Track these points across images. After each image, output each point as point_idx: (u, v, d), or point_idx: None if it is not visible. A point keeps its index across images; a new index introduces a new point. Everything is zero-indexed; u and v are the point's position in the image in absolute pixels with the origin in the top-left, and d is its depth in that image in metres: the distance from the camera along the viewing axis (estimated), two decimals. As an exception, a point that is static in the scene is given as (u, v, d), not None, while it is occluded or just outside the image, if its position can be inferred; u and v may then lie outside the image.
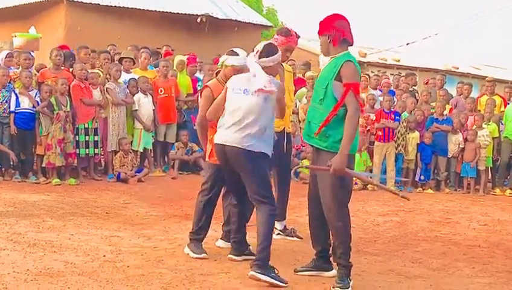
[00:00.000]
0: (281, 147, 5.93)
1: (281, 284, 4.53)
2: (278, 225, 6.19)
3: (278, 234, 6.17)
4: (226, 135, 4.77)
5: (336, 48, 4.63)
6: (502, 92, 12.26)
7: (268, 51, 4.85)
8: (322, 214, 4.70)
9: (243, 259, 5.15)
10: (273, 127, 4.91)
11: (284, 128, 5.98)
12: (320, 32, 4.71)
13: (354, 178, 9.81)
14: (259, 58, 4.80)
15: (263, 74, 4.73)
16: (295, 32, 5.92)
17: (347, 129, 4.43)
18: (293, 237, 6.20)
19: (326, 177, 4.57)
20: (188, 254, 5.21)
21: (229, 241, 5.44)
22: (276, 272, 4.59)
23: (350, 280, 4.56)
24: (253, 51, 4.94)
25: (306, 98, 11.14)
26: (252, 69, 4.80)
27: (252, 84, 4.73)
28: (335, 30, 4.62)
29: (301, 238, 6.21)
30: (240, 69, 5.25)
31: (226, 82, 5.27)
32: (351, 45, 4.71)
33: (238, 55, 5.32)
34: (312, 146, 4.80)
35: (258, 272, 4.54)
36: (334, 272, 4.78)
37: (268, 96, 4.70)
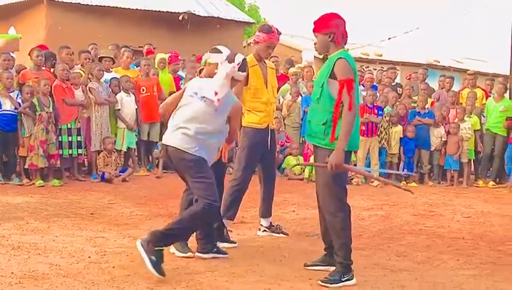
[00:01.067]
0: (265, 143, 5.94)
1: (154, 273, 4.46)
2: (263, 222, 6.21)
3: (264, 230, 6.19)
4: (169, 136, 4.87)
5: (336, 46, 4.67)
6: (484, 85, 12.38)
7: (243, 67, 4.99)
8: None
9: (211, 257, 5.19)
10: (220, 137, 4.99)
11: (267, 125, 5.99)
12: (318, 30, 4.71)
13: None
14: (238, 70, 4.91)
15: (220, 83, 4.80)
16: (276, 29, 5.93)
17: (343, 125, 4.47)
18: (279, 233, 6.21)
19: (322, 174, 4.63)
20: (173, 253, 5.19)
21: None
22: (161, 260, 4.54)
23: (344, 278, 4.55)
24: (229, 59, 4.95)
25: (290, 94, 11.17)
26: (217, 75, 4.88)
27: (202, 90, 4.84)
28: (337, 28, 4.65)
29: (287, 234, 6.23)
30: None
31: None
32: (346, 43, 4.75)
33: (221, 52, 5.32)
34: (312, 144, 4.83)
35: (142, 246, 4.52)
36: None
37: (218, 107, 4.77)
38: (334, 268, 4.70)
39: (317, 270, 4.86)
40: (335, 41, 4.66)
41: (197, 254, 5.19)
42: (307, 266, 4.99)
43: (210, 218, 4.96)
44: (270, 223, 6.24)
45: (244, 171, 5.89)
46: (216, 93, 4.75)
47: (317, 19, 4.73)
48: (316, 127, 4.64)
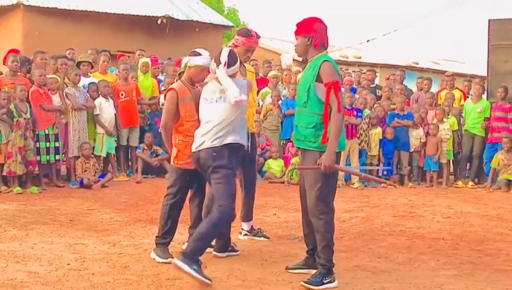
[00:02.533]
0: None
1: (203, 279, 4.43)
2: (244, 226, 6.19)
3: (245, 234, 6.17)
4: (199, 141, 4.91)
5: (315, 50, 4.72)
6: (462, 86, 12.49)
7: (232, 59, 4.93)
8: None
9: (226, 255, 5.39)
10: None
11: (247, 129, 5.96)
12: (298, 33, 4.76)
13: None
14: (228, 68, 4.87)
15: (234, 86, 4.80)
16: (255, 33, 5.92)
17: (333, 127, 4.50)
18: (260, 237, 6.19)
19: (312, 176, 4.64)
20: (154, 258, 5.16)
21: None
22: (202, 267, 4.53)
23: (326, 281, 4.56)
24: (217, 61, 4.95)
25: (271, 96, 11.18)
26: (224, 84, 4.84)
27: (226, 96, 4.84)
28: (316, 33, 4.70)
29: (268, 238, 6.22)
30: (205, 68, 5.25)
31: (191, 83, 5.26)
32: (326, 49, 4.79)
33: (200, 55, 5.30)
34: (300, 148, 4.81)
35: (181, 261, 4.47)
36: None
37: (241, 105, 4.83)
38: (315, 270, 4.70)
39: (298, 273, 4.85)
40: (313, 45, 4.70)
41: (213, 252, 5.32)
42: (289, 269, 4.98)
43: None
44: (251, 226, 6.23)
45: None
46: (240, 94, 4.76)
47: (299, 22, 4.77)
48: (305, 130, 4.66)
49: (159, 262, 5.08)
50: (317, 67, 4.61)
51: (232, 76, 4.92)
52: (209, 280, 4.45)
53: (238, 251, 5.57)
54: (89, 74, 10.17)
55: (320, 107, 4.57)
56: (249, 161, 6.03)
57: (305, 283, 4.55)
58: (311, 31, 4.70)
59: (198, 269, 4.45)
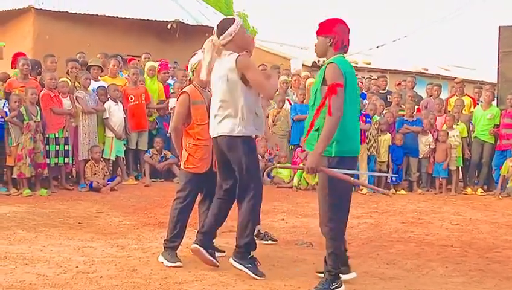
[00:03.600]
0: None
1: (257, 277, 4.72)
2: None
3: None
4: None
5: (334, 52, 4.62)
6: (472, 93, 12.45)
7: (221, 26, 4.86)
8: None
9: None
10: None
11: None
12: (319, 33, 4.67)
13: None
14: (218, 37, 4.81)
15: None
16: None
17: (323, 130, 4.40)
18: (267, 240, 6.19)
19: (320, 181, 4.66)
20: (162, 262, 5.16)
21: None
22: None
23: (333, 286, 4.53)
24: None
25: (275, 102, 11.18)
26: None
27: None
28: (337, 34, 4.61)
29: (276, 241, 6.21)
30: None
31: (202, 86, 5.28)
32: (346, 52, 4.71)
33: (197, 53, 5.31)
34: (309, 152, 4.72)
35: (235, 260, 4.80)
36: (352, 275, 4.84)
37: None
38: (344, 276, 4.70)
39: (306, 279, 4.85)
40: (334, 46, 4.61)
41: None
42: (318, 272, 4.93)
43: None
44: (258, 230, 6.22)
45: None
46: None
47: (321, 22, 4.70)
48: (311, 133, 4.62)
49: (167, 266, 5.08)
50: (323, 70, 4.56)
51: (228, 45, 4.81)
52: (263, 276, 4.79)
53: (223, 251, 5.56)
54: (99, 77, 10.21)
55: (326, 110, 4.49)
56: None
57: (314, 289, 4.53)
58: (333, 32, 4.60)
59: (252, 267, 4.83)
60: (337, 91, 4.40)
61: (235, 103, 4.75)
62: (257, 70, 5.02)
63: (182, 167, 5.37)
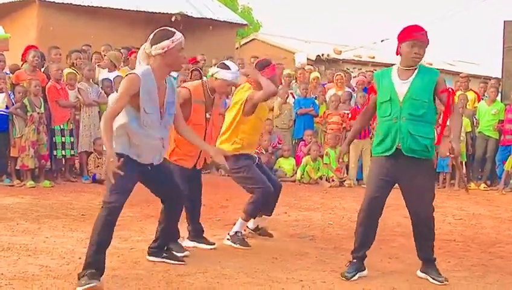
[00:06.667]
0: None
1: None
2: (250, 224, 6.15)
3: (250, 232, 6.15)
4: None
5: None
6: (476, 88, 12.42)
7: (158, 35, 4.37)
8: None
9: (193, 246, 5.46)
10: None
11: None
12: (427, 42, 4.72)
13: (336, 175, 9.85)
14: (151, 46, 4.33)
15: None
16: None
17: (458, 125, 5.05)
18: (265, 235, 6.17)
19: (429, 169, 4.96)
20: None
21: (194, 241, 5.56)
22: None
23: (355, 272, 4.76)
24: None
25: (279, 95, 11.17)
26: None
27: None
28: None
29: (271, 236, 6.20)
30: (231, 84, 5.27)
31: (211, 92, 5.28)
32: None
33: (230, 69, 5.30)
34: (412, 158, 4.73)
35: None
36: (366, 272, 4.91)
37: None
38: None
39: (308, 273, 4.85)
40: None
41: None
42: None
43: None
44: (257, 226, 6.19)
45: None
46: None
47: (424, 30, 4.71)
48: (424, 140, 4.68)
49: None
50: (435, 80, 4.67)
51: (158, 57, 4.31)
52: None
53: (213, 243, 5.60)
54: (121, 66, 10.28)
55: (435, 116, 4.81)
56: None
57: None
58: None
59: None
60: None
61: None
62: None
63: (168, 158, 5.25)
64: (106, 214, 4.42)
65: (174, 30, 4.45)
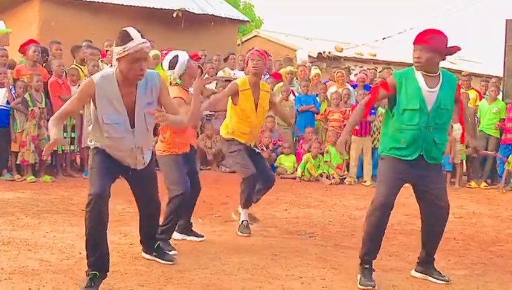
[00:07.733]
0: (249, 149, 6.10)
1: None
2: (242, 213, 6.16)
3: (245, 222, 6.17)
4: None
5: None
6: (478, 86, 12.40)
7: (121, 37, 4.02)
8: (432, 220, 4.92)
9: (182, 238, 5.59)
10: None
11: (249, 144, 6.13)
12: (436, 48, 4.67)
13: (331, 173, 9.85)
14: (116, 46, 4.02)
15: None
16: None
17: (472, 123, 5.07)
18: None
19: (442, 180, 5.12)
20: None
21: (183, 233, 5.66)
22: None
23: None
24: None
25: (281, 93, 11.15)
26: None
27: None
28: (446, 53, 4.74)
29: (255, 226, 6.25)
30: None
31: (185, 87, 5.67)
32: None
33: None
34: (430, 164, 4.69)
35: None
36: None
37: None
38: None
39: (308, 270, 4.85)
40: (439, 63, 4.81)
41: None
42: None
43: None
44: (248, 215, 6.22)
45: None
46: None
47: (428, 32, 4.72)
48: (443, 147, 4.70)
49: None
50: (455, 85, 4.73)
51: (122, 59, 4.01)
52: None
53: (202, 236, 5.69)
54: None
55: (449, 123, 4.79)
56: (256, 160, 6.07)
57: None
58: (445, 50, 4.79)
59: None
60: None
61: None
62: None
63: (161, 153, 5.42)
64: (87, 206, 4.19)
65: (134, 36, 3.95)
